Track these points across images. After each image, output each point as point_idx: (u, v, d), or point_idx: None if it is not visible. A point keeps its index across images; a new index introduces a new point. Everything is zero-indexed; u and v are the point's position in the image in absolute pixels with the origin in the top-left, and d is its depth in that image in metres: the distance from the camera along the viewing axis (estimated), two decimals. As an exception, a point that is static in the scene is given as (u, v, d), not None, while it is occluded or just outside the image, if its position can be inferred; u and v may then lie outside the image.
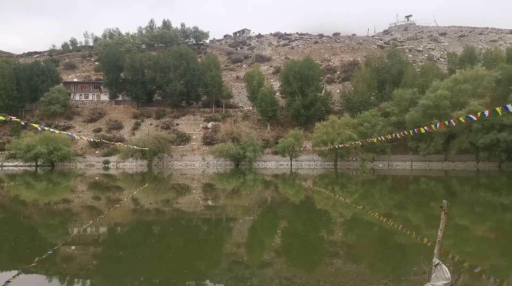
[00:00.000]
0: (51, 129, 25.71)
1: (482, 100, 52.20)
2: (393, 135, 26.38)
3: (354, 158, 65.16)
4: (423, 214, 16.97)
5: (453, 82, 55.28)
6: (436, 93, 54.40)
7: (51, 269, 8.39)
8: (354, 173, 48.59)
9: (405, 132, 23.74)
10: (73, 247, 10.57)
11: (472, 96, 54.01)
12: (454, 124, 18.55)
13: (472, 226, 14.28)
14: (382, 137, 32.84)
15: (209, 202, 21.50)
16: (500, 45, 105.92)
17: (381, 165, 64.78)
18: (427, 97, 55.67)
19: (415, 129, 22.44)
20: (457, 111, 52.03)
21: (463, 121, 18.13)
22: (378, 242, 11.52)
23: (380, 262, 9.21)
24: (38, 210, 18.31)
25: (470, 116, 16.55)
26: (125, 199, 22.23)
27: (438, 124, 19.88)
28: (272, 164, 68.88)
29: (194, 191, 28.37)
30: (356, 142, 51.28)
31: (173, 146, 69.44)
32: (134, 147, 56.82)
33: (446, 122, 18.57)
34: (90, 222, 14.39)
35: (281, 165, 67.86)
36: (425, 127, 20.22)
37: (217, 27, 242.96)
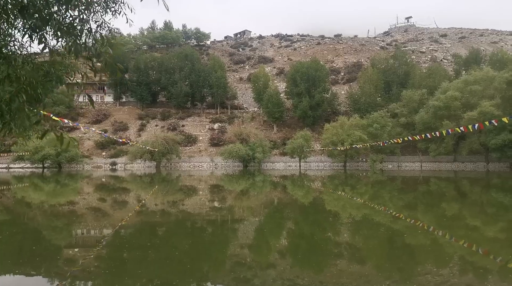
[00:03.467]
0: (104, 134, 25.26)
1: (493, 101, 52.38)
2: (415, 137, 26.35)
3: (364, 159, 65.24)
4: (434, 214, 16.85)
5: (464, 83, 55.52)
6: (447, 94, 54.59)
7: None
8: (364, 174, 48.62)
9: (435, 133, 23.62)
10: (107, 250, 10.41)
11: (482, 97, 54.22)
12: (496, 124, 18.48)
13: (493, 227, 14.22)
14: (399, 139, 32.75)
15: (225, 204, 21.44)
16: (502, 46, 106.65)
17: (390, 166, 64.88)
18: (438, 98, 55.84)
19: (449, 130, 22.27)
20: (468, 112, 52.23)
21: (507, 121, 18.07)
22: (385, 242, 11.47)
23: (386, 262, 9.18)
24: (55, 213, 17.87)
25: (517, 116, 16.44)
26: (143, 201, 21.99)
27: (476, 125, 19.74)
28: (280, 165, 68.77)
29: (209, 193, 28.14)
30: (371, 143, 51.21)
31: (180, 147, 69.15)
32: (149, 148, 56.55)
33: (487, 123, 18.46)
34: (119, 224, 14.18)
35: (289, 166, 67.75)
36: (448, 130, 20.13)
37: (215, 27, 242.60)
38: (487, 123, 18.44)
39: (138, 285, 7.54)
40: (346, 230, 13.55)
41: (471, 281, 7.92)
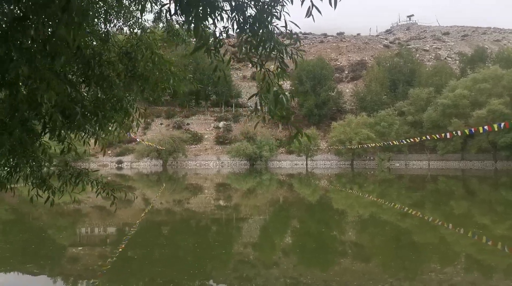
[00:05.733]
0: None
1: (502, 99, 52.33)
2: (434, 136, 26.20)
3: (372, 158, 65.18)
4: (443, 212, 16.82)
5: (472, 81, 55.45)
6: (455, 92, 54.53)
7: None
8: (372, 172, 48.63)
9: (456, 132, 23.50)
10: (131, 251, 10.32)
11: (490, 95, 54.16)
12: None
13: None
14: (416, 138, 32.60)
15: (235, 202, 21.47)
16: (505, 44, 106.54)
17: (397, 164, 64.82)
18: (446, 96, 55.76)
19: (472, 129, 22.13)
20: (477, 110, 52.20)
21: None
22: (391, 241, 11.46)
23: (391, 260, 9.17)
24: (65, 213, 17.61)
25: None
26: (153, 200, 21.87)
27: (502, 124, 19.61)
28: (286, 163, 68.65)
29: (219, 192, 28.07)
30: (384, 142, 51.01)
31: (186, 146, 68.96)
32: (159, 147, 56.33)
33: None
34: (137, 222, 14.14)
35: (296, 164, 67.65)
36: (471, 129, 19.99)
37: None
38: (514, 122, 18.27)
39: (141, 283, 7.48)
40: (354, 229, 13.57)
41: (478, 279, 7.85)
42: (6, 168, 3.92)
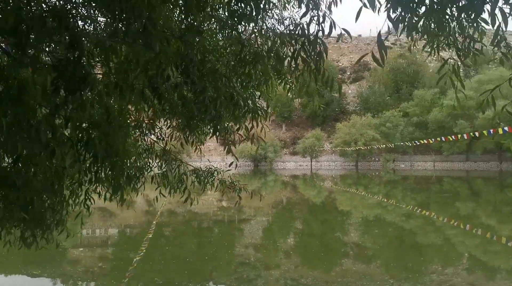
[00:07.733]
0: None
1: (508, 100, 52.32)
2: (449, 137, 26.16)
3: (376, 159, 65.13)
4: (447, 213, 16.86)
5: (477, 83, 55.48)
6: (461, 93, 54.53)
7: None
8: (377, 173, 48.64)
9: (474, 133, 23.44)
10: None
11: (495, 97, 54.13)
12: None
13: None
14: (426, 140, 32.51)
15: (245, 203, 21.59)
16: (504, 46, 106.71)
17: (402, 165, 64.84)
18: (451, 97, 55.67)
19: (491, 130, 22.05)
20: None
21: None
22: (394, 242, 11.56)
23: (392, 262, 9.24)
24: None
25: None
26: (164, 200, 21.78)
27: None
28: (291, 164, 68.55)
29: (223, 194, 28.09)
30: (397, 143, 50.87)
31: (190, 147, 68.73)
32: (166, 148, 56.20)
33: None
34: (154, 222, 14.05)
35: (300, 165, 67.55)
36: (490, 130, 19.94)
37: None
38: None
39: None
40: (358, 230, 13.66)
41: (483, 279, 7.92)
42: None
